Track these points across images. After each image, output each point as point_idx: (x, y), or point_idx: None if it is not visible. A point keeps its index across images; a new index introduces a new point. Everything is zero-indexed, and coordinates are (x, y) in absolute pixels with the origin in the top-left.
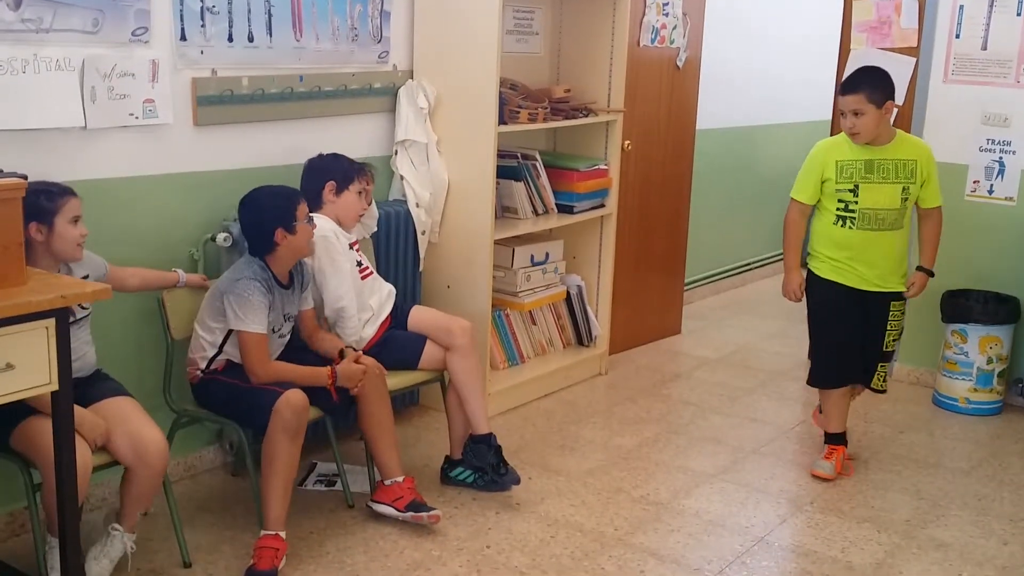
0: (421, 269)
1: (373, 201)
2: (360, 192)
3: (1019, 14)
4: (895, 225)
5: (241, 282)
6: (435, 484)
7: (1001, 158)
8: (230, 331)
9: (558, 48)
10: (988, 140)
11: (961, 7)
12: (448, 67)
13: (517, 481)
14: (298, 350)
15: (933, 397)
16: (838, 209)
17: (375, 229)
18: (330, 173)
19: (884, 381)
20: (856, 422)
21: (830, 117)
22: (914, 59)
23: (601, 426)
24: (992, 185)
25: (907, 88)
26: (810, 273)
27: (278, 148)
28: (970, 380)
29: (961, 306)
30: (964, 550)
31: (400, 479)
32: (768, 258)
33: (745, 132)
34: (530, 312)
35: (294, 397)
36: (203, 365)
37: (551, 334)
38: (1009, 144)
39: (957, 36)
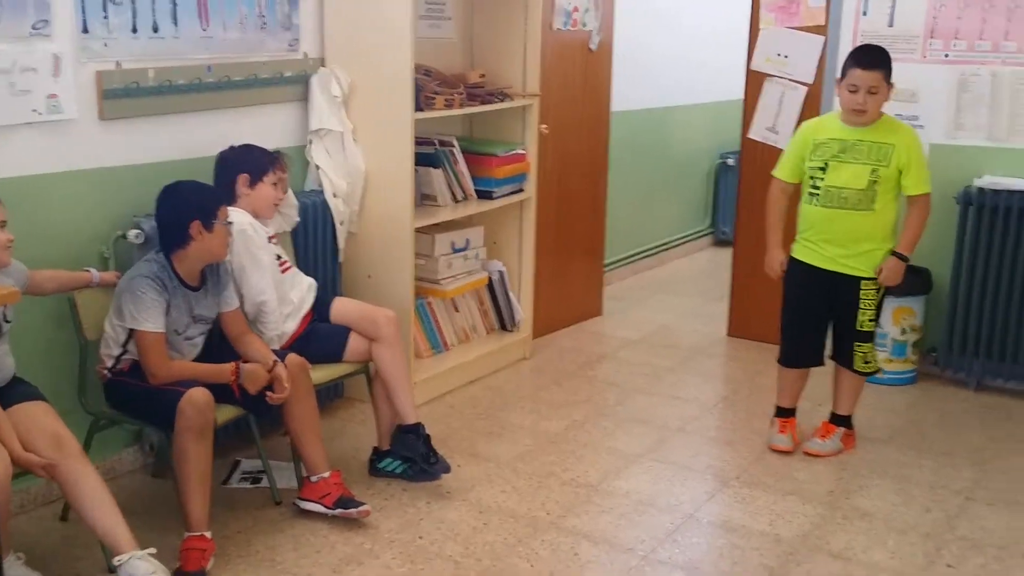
0: (341, 260)
1: (291, 191)
2: (275, 183)
3: None
4: (860, 206)
5: (136, 280)
6: (363, 476)
7: None
8: (131, 330)
9: (471, 33)
10: (897, 115)
11: None
12: (361, 54)
13: (447, 470)
14: (226, 355)
15: None
16: (810, 186)
17: (297, 219)
18: (243, 165)
19: (867, 363)
20: (776, 396)
21: (742, 97)
22: (823, 37)
23: (528, 410)
24: None
25: (816, 66)
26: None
27: (188, 141)
28: (885, 351)
29: None
30: (888, 518)
31: (327, 474)
32: (684, 237)
33: (659, 113)
34: (453, 299)
35: (196, 395)
36: (109, 364)
37: (474, 320)
38: (917, 119)
39: (864, 13)
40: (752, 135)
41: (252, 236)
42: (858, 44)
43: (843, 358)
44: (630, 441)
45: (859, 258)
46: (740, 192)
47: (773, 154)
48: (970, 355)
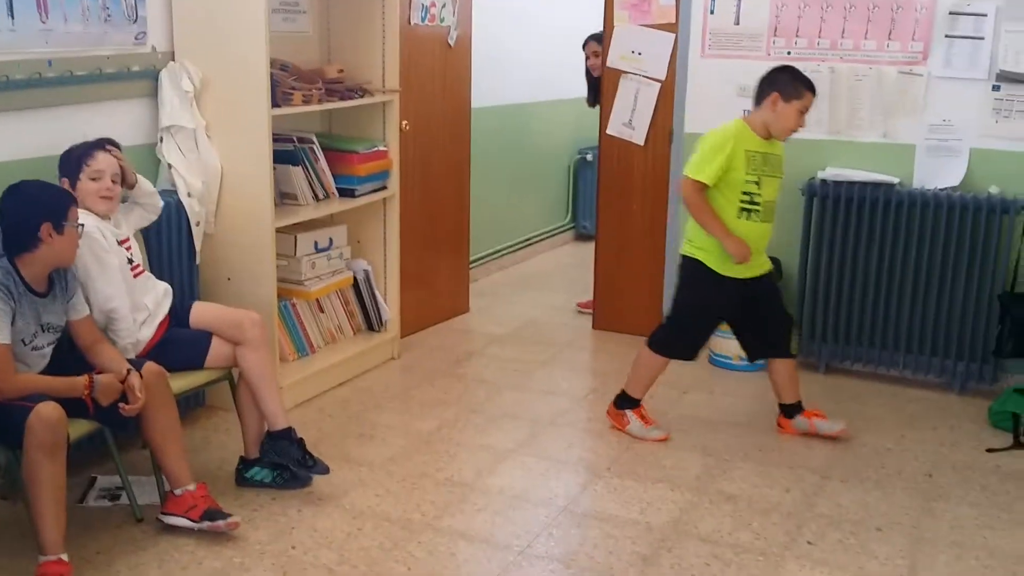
0: (198, 262)
1: (142, 178)
2: (94, 177)
3: None
4: (773, 216)
5: None
6: (230, 487)
7: None
8: None
9: (327, 27)
10: (745, 111)
11: None
12: (213, 48)
13: (326, 471)
14: (71, 365)
15: (709, 357)
16: (743, 201)
17: (159, 206)
18: (61, 166)
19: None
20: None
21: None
22: (674, 35)
23: (399, 411)
24: None
25: (668, 63)
26: (695, 261)
27: (29, 139)
28: None
29: None
30: (751, 500)
31: (192, 487)
32: (547, 232)
33: (518, 109)
34: (317, 300)
35: (46, 411)
36: None
37: (340, 321)
38: None
39: (712, 12)
40: (610, 131)
41: (98, 239)
42: (706, 42)
43: (780, 348)
44: (502, 437)
45: (762, 256)
46: (600, 187)
47: (630, 149)
48: (819, 339)
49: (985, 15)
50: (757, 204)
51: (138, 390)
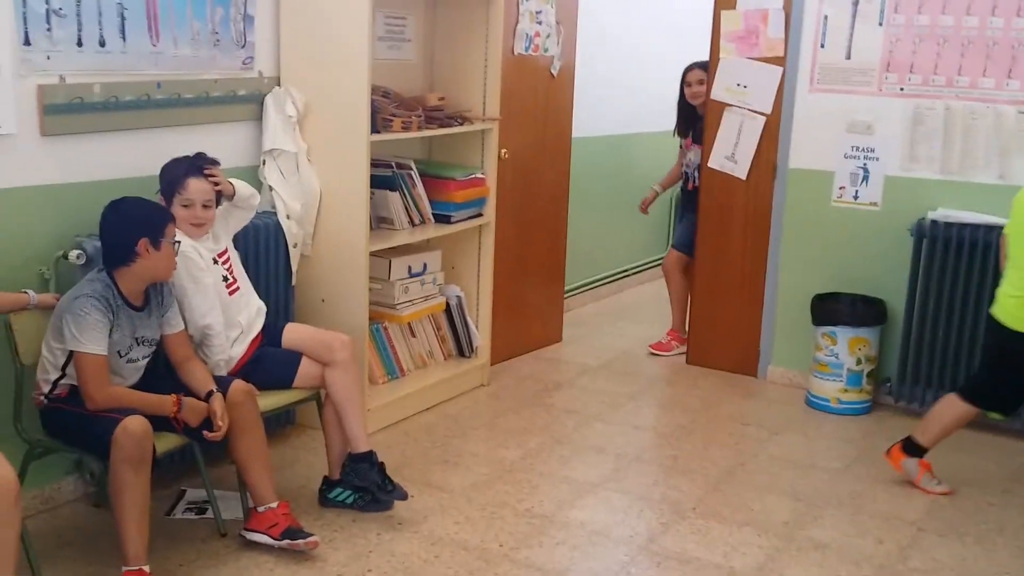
0: (294, 283)
1: (237, 182)
2: (185, 204)
3: (880, 24)
4: None
5: (79, 300)
6: (313, 507)
7: (865, 164)
8: (71, 353)
9: (431, 55)
10: (853, 147)
11: (826, 17)
12: (317, 74)
13: (404, 497)
14: (165, 380)
15: (806, 398)
16: None
17: (256, 203)
18: (161, 184)
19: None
20: (733, 425)
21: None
22: (781, 68)
23: (484, 438)
24: (857, 191)
25: (775, 97)
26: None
27: (135, 158)
28: (840, 381)
29: (830, 309)
30: (842, 550)
31: (274, 505)
32: (644, 264)
33: (619, 140)
34: (409, 324)
35: (132, 424)
36: (46, 389)
37: (431, 346)
38: (873, 151)
39: (822, 46)
40: (712, 164)
41: (194, 259)
42: (815, 76)
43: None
44: (586, 470)
45: None
46: (700, 220)
47: (732, 182)
48: (923, 385)
49: None
50: None
51: (220, 417)
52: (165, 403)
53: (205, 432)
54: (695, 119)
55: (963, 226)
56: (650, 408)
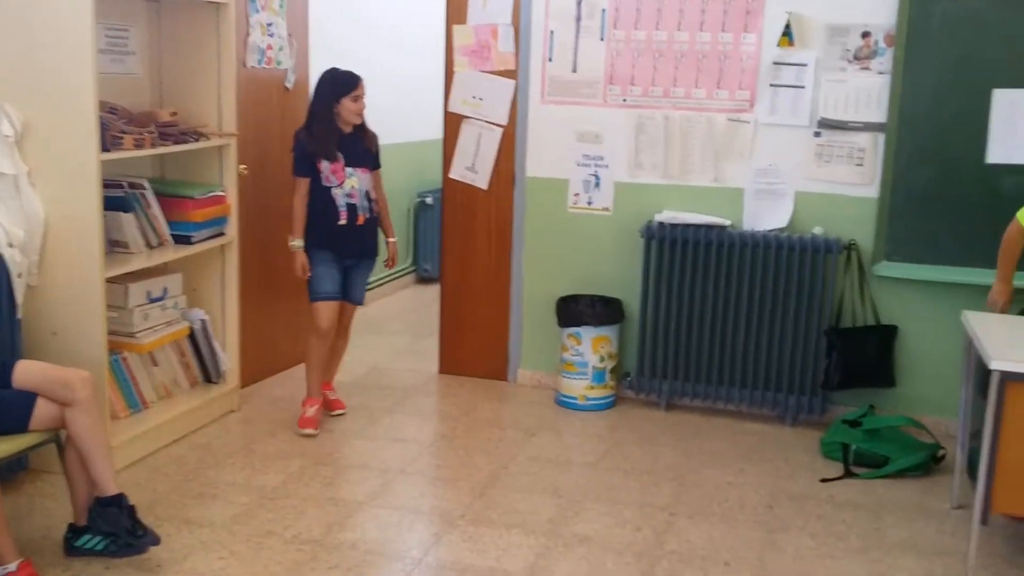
0: (20, 316)
1: None
2: None
3: (602, 39)
4: None
5: None
6: (59, 557)
7: (596, 172)
8: None
9: (159, 69)
10: (584, 156)
11: (552, 32)
12: (36, 90)
13: (156, 542)
14: None
15: (556, 398)
16: None
17: None
18: None
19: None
20: (491, 430)
21: (442, 136)
22: (514, 81)
23: (241, 466)
24: (590, 197)
25: (510, 108)
26: None
27: None
28: (587, 378)
29: (573, 311)
30: (604, 541)
31: (13, 567)
32: (389, 275)
33: None
34: (151, 353)
35: None
36: None
37: (176, 374)
38: (602, 159)
39: (550, 60)
40: (453, 175)
41: None
42: (545, 88)
43: None
44: (352, 489)
45: None
46: (444, 231)
47: (474, 193)
48: (660, 377)
49: (805, 65)
50: None
51: None
52: None
53: None
54: (355, 139)
55: (686, 226)
56: (409, 420)
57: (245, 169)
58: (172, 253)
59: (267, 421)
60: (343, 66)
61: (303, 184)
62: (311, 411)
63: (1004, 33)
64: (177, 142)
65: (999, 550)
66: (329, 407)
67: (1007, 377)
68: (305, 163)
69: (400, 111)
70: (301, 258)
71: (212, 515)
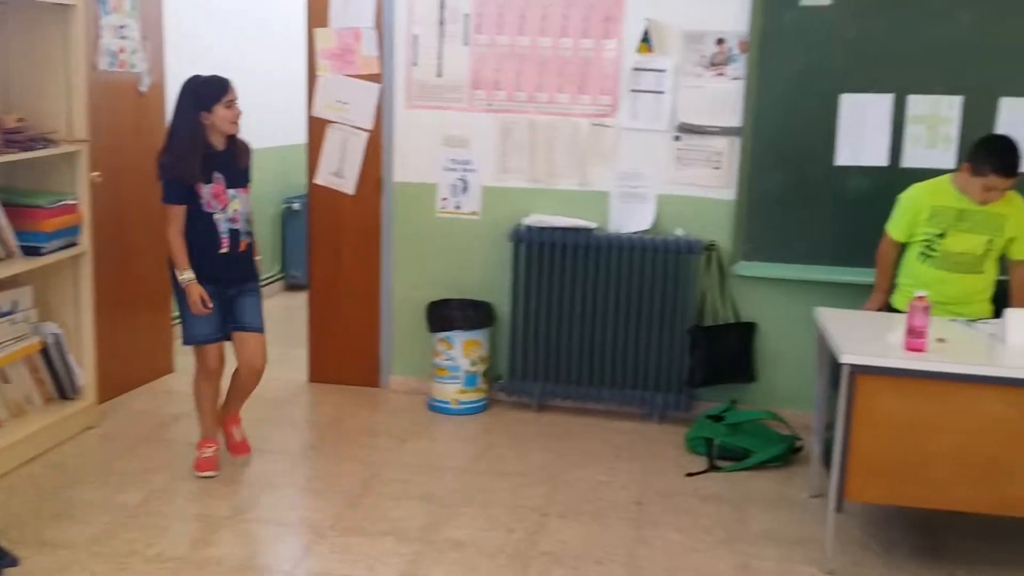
0: None
1: None
2: None
3: (466, 44)
4: (972, 270)
5: None
6: None
7: (464, 176)
8: None
9: (5, 74)
10: (451, 160)
11: (416, 37)
12: None
13: (15, 563)
14: None
15: (428, 403)
16: (924, 247)
17: None
18: None
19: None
20: (363, 438)
21: (306, 141)
22: (379, 85)
23: (99, 485)
24: (459, 202)
25: (375, 113)
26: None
27: None
28: (459, 382)
29: (444, 315)
30: (477, 544)
31: None
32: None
33: None
34: (1, 370)
35: None
36: None
37: (28, 391)
38: (469, 163)
39: (415, 64)
40: (319, 180)
41: None
42: (411, 93)
43: None
44: (217, 503)
45: (962, 303)
46: (311, 237)
47: (341, 198)
48: (531, 378)
49: (664, 70)
50: (934, 251)
51: None
52: None
53: None
54: (229, 155)
55: (553, 230)
56: (277, 431)
57: (99, 176)
58: (21, 265)
59: (128, 437)
60: (202, 66)
61: (178, 212)
62: (208, 451)
63: (851, 40)
64: (24, 149)
65: (854, 536)
66: (233, 450)
67: (856, 370)
68: (179, 189)
69: (264, 114)
70: (198, 290)
71: (71, 536)
